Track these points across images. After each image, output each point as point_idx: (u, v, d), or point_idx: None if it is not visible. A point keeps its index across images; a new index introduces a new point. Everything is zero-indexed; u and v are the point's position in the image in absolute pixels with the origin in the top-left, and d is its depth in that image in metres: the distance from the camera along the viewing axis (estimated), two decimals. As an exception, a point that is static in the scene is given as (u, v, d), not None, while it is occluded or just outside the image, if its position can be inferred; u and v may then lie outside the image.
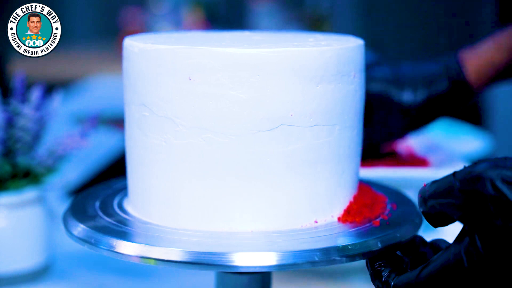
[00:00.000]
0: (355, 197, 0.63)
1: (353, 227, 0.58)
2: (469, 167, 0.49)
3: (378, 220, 0.60)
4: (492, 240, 0.47)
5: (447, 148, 1.03)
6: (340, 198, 0.61)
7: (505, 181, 0.46)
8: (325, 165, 0.59)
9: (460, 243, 0.49)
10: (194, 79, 0.57)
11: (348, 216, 0.60)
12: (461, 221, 0.50)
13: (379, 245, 0.55)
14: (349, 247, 0.54)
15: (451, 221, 0.51)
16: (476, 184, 0.47)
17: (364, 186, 0.66)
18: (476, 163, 0.49)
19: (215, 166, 0.57)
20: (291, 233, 0.57)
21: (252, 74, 0.56)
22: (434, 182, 0.51)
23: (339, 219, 0.60)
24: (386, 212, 0.61)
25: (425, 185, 0.52)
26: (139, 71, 0.60)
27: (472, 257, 0.48)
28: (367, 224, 0.59)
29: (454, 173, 0.50)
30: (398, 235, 0.57)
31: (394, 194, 0.67)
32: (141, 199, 0.62)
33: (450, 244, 0.51)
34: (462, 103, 0.86)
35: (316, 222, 0.59)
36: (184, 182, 0.58)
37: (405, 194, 0.68)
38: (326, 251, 0.54)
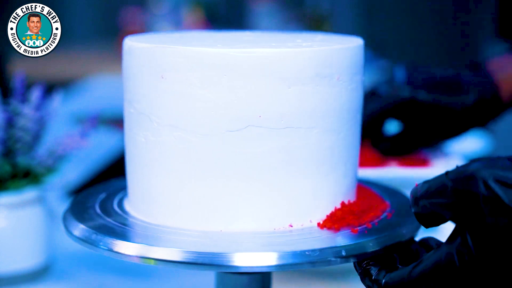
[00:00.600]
0: (343, 203, 0.61)
1: (326, 234, 0.57)
2: (461, 166, 0.49)
3: (357, 228, 0.58)
4: (484, 240, 0.47)
5: (447, 148, 1.03)
6: (321, 203, 0.60)
7: (497, 181, 0.46)
8: (302, 168, 0.58)
9: (452, 242, 0.49)
10: (166, 78, 0.58)
11: (328, 222, 0.59)
12: (453, 221, 0.49)
13: (343, 253, 0.54)
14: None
15: (443, 221, 0.51)
16: (468, 183, 0.47)
17: (368, 192, 0.66)
18: (469, 162, 0.49)
19: (186, 164, 0.58)
20: (291, 234, 0.57)
21: (220, 74, 0.56)
22: (426, 182, 0.51)
23: (318, 224, 0.59)
24: (374, 221, 0.59)
25: (417, 185, 0.52)
26: (125, 69, 0.62)
27: (463, 256, 0.48)
28: (343, 232, 0.58)
29: (447, 173, 0.49)
30: (371, 244, 0.56)
31: (394, 195, 0.67)
32: (140, 199, 0.62)
33: (442, 243, 0.51)
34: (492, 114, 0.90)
35: (291, 226, 0.59)
36: (165, 180, 0.59)
37: (405, 194, 0.68)
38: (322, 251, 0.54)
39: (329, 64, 0.58)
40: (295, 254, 0.53)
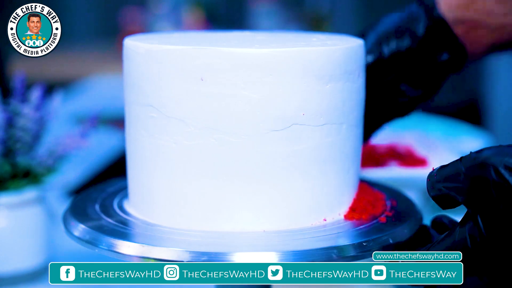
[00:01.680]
0: (357, 195, 0.63)
1: (360, 225, 0.59)
2: (474, 153, 0.51)
3: (383, 216, 0.60)
4: (494, 223, 0.49)
5: (447, 148, 1.03)
6: (346, 196, 0.62)
7: (507, 167, 0.48)
8: (333, 164, 0.60)
9: (464, 225, 0.51)
10: (206, 80, 0.57)
11: (354, 213, 0.61)
12: (465, 205, 0.52)
13: (391, 241, 0.57)
14: (364, 243, 0.55)
15: (458, 204, 0.53)
16: (480, 170, 0.50)
17: (361, 183, 0.67)
18: (481, 149, 0.51)
19: (226, 166, 0.58)
20: (293, 233, 0.58)
21: (264, 74, 0.56)
22: (442, 167, 0.53)
23: (345, 216, 0.61)
24: (388, 208, 0.62)
25: (433, 169, 0.54)
26: (145, 72, 0.59)
27: (475, 238, 0.50)
28: (374, 221, 0.60)
29: (461, 159, 0.52)
30: (406, 231, 0.58)
31: (391, 192, 0.67)
32: (142, 199, 0.62)
33: (455, 226, 0.53)
34: (445, 48, 0.74)
35: (325, 220, 0.60)
36: (192, 182, 0.58)
37: (403, 193, 0.68)
38: (326, 250, 0.54)
39: (353, 60, 0.60)
40: (295, 254, 0.54)
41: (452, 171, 0.52)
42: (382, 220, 0.60)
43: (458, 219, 0.55)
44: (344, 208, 0.61)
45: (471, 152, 0.51)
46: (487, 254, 0.50)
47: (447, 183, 0.52)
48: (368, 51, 0.73)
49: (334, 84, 0.59)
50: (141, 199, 0.62)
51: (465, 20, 0.73)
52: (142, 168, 0.61)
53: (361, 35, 0.74)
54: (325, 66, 0.58)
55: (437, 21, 0.73)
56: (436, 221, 0.60)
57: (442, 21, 0.73)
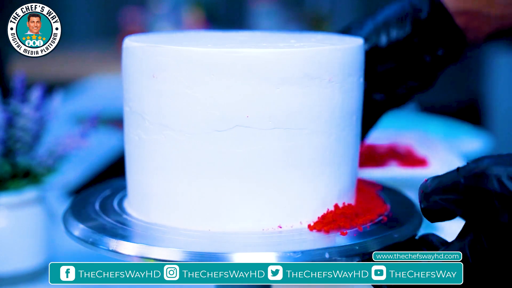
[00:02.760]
0: (336, 206, 0.61)
1: (314, 236, 0.57)
2: (472, 162, 0.49)
3: (384, 216, 0.60)
4: (497, 236, 0.47)
5: (447, 148, 1.03)
6: (312, 205, 0.59)
7: (511, 178, 0.46)
8: (291, 170, 0.58)
9: (463, 239, 0.49)
10: (157, 77, 0.58)
11: (319, 224, 0.58)
12: (463, 217, 0.50)
13: (391, 241, 0.56)
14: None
15: (451, 217, 0.51)
16: (481, 180, 0.47)
17: (370, 194, 0.65)
18: (479, 159, 0.49)
19: (176, 163, 0.58)
20: (280, 235, 0.57)
21: (206, 74, 0.56)
22: (437, 177, 0.51)
23: (309, 226, 0.59)
24: (367, 224, 0.59)
25: (426, 180, 0.52)
26: (122, 68, 0.62)
27: (476, 253, 0.48)
28: (373, 222, 0.59)
29: (458, 169, 0.49)
30: (406, 231, 0.58)
31: (394, 194, 0.67)
32: (139, 198, 0.62)
33: (453, 240, 0.51)
34: (446, 36, 0.73)
35: (280, 227, 0.58)
36: (159, 179, 0.59)
37: (405, 194, 0.68)
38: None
39: (317, 65, 0.58)
40: (281, 256, 0.53)
41: (450, 182, 0.50)
42: (382, 220, 0.59)
43: (442, 235, 0.54)
44: (310, 216, 0.59)
45: (468, 162, 0.49)
46: (490, 269, 0.48)
47: (443, 195, 0.50)
48: (366, 39, 0.71)
49: (287, 88, 0.57)
50: (139, 199, 0.62)
51: (467, 10, 0.73)
52: (135, 166, 0.62)
53: (347, 30, 0.74)
54: (273, 69, 0.56)
55: (439, 11, 0.72)
56: (425, 239, 0.56)
57: (445, 11, 0.72)
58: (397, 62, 0.73)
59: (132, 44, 0.61)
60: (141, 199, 0.62)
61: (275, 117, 0.57)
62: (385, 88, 0.74)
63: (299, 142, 0.58)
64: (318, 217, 0.59)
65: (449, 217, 0.51)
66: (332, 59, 0.58)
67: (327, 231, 0.57)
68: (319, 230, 0.58)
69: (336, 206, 0.61)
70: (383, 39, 0.73)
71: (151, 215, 0.60)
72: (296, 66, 0.57)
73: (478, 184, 0.48)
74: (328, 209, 0.60)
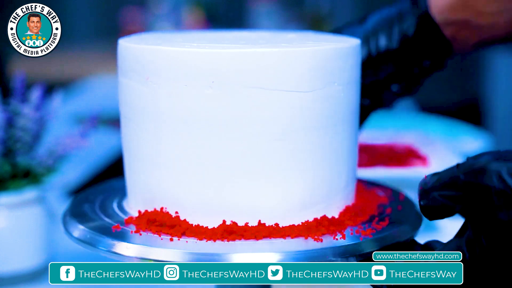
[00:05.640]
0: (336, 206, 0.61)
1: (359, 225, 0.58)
2: (471, 158, 0.49)
3: (384, 216, 0.60)
4: (495, 232, 0.47)
5: (447, 148, 1.03)
6: (312, 205, 0.59)
7: (511, 174, 0.46)
8: (292, 169, 0.58)
9: (462, 236, 0.49)
10: (151, 78, 0.58)
11: (318, 224, 0.58)
12: (462, 214, 0.50)
13: (391, 241, 0.56)
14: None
15: (450, 213, 0.51)
16: (480, 176, 0.47)
17: (370, 194, 0.66)
18: (478, 155, 0.49)
19: (173, 163, 0.58)
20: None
21: (201, 74, 0.56)
22: (436, 174, 0.51)
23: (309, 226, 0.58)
24: (367, 224, 0.59)
25: (425, 177, 0.52)
26: (118, 68, 0.64)
27: (474, 250, 0.48)
28: (373, 222, 0.59)
29: (458, 165, 0.49)
30: (406, 231, 0.58)
31: (394, 194, 0.67)
32: (138, 199, 0.62)
33: (452, 239, 0.51)
34: (433, 45, 0.73)
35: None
36: (157, 179, 0.59)
37: (406, 194, 0.68)
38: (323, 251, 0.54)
39: (318, 65, 0.57)
40: (296, 254, 0.53)
41: (449, 178, 0.49)
42: (382, 220, 0.59)
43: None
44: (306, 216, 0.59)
45: (468, 158, 0.49)
46: (487, 266, 0.48)
47: (443, 191, 0.50)
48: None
49: (286, 87, 0.56)
50: (139, 199, 0.62)
51: (455, 21, 0.73)
52: (136, 168, 0.62)
53: (338, 30, 0.75)
54: (273, 69, 0.56)
55: (427, 23, 0.72)
56: (429, 247, 0.55)
57: (432, 22, 0.72)
58: (385, 73, 0.73)
59: (125, 44, 0.61)
60: (141, 199, 0.62)
61: (274, 117, 0.57)
62: (371, 94, 0.75)
63: (299, 142, 0.58)
64: (318, 217, 0.59)
65: (448, 214, 0.51)
66: (333, 59, 0.59)
67: (327, 231, 0.58)
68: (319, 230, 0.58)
69: (336, 206, 0.61)
70: (372, 48, 0.73)
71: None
72: (296, 66, 0.57)
73: (478, 180, 0.47)
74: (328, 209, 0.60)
